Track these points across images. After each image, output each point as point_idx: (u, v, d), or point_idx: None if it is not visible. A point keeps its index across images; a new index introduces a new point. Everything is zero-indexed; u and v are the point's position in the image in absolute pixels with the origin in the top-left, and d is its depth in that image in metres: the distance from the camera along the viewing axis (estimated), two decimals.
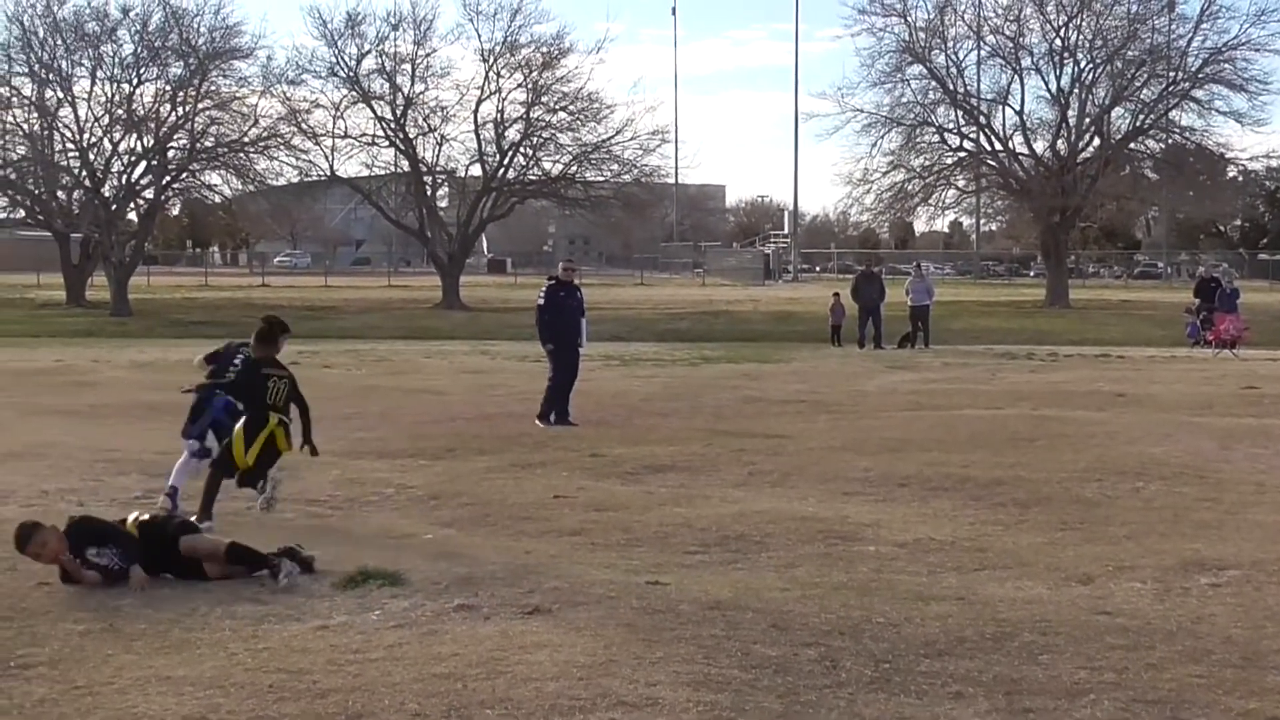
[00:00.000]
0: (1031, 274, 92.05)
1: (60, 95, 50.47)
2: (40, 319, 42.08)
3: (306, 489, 11.08)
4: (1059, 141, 55.68)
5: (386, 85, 53.62)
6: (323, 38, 52.87)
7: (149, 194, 51.62)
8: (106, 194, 49.51)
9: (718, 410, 17.55)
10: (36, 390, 19.87)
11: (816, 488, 11.30)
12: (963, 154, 57.17)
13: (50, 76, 50.06)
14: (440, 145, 55.19)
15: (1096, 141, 55.77)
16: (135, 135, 49.93)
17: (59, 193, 52.12)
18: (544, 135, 54.13)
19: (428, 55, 53.83)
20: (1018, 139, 56.63)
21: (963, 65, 56.48)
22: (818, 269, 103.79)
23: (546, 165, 55.28)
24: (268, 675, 5.99)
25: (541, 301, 16.43)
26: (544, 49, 53.40)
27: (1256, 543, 9.00)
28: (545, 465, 12.64)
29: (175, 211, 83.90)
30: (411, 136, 54.01)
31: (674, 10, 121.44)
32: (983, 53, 56.64)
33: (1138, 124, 55.33)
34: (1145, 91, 54.83)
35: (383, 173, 57.27)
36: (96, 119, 50.19)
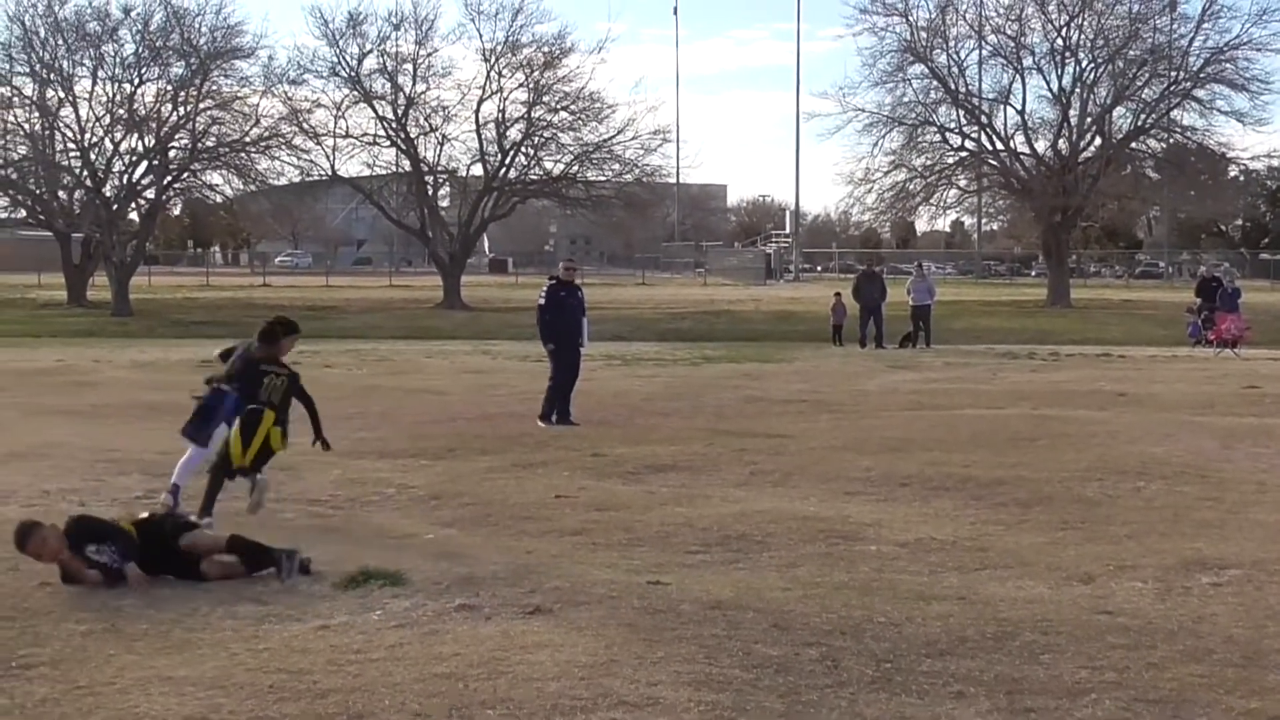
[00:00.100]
0: (1033, 273, 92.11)
1: (61, 95, 50.50)
2: (41, 319, 42.09)
3: (307, 489, 11.09)
4: (1060, 141, 55.71)
5: (388, 85, 53.67)
6: (324, 37, 52.95)
7: (150, 194, 51.60)
8: (108, 194, 49.48)
9: (719, 410, 17.55)
10: (38, 390, 19.86)
11: (818, 487, 11.30)
12: (964, 153, 57.21)
13: (51, 76, 50.07)
14: (441, 145, 55.29)
15: (1098, 141, 55.80)
16: (136, 135, 49.92)
17: (60, 192, 52.15)
18: (545, 135, 54.12)
19: (429, 55, 53.91)
20: (1019, 138, 56.78)
21: (964, 65, 56.61)
22: (819, 269, 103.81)
23: (548, 165, 55.33)
24: (269, 675, 6.00)
25: (542, 301, 16.42)
26: (545, 49, 53.46)
27: (1258, 542, 9.00)
28: (547, 465, 12.63)
29: (176, 211, 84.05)
30: (413, 136, 54.03)
31: (675, 10, 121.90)
32: (984, 52, 56.77)
33: (1139, 123, 55.36)
34: (1147, 91, 54.89)
35: (384, 172, 57.30)
36: (98, 119, 50.23)
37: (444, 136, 54.96)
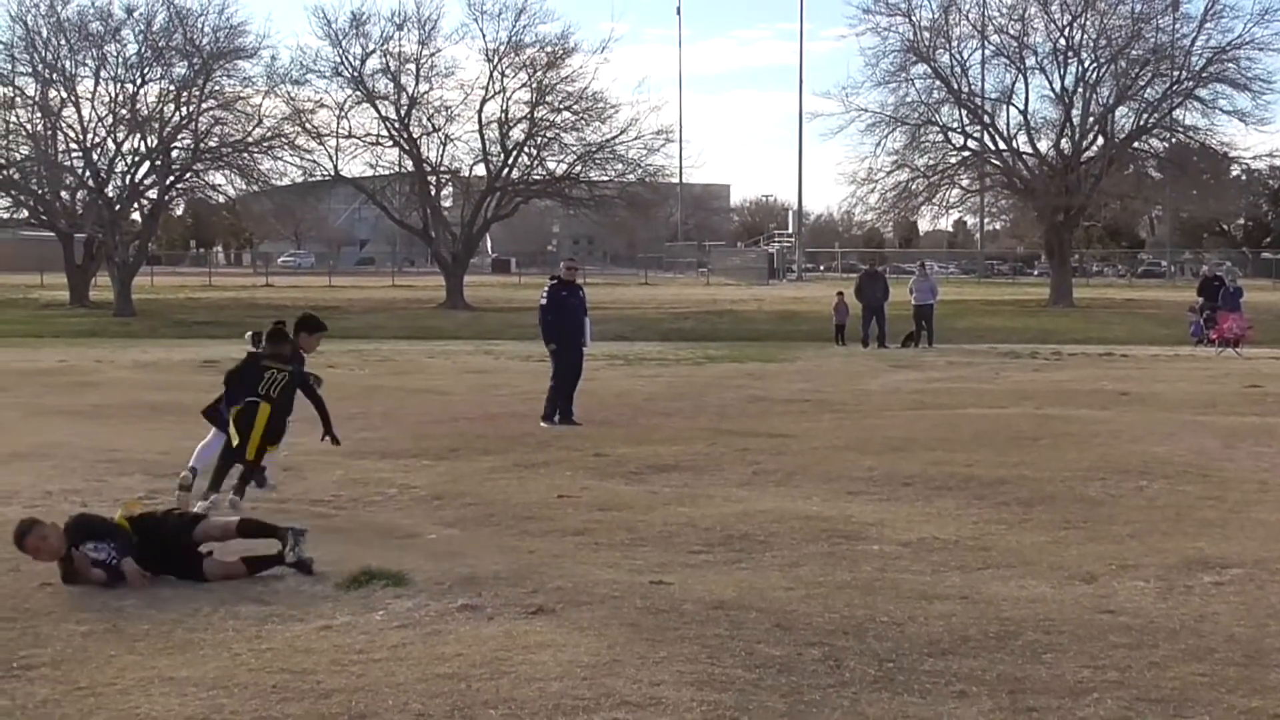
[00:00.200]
0: (1035, 273, 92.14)
1: (64, 95, 50.50)
2: (44, 319, 42.12)
3: (310, 489, 11.10)
4: (1063, 140, 55.71)
5: (391, 85, 53.69)
6: (327, 38, 52.96)
7: (153, 194, 51.63)
8: (110, 194, 49.47)
9: (722, 410, 17.55)
10: (40, 390, 19.87)
11: (820, 487, 11.29)
12: (967, 153, 57.21)
13: (54, 76, 50.05)
14: (444, 145, 55.31)
15: (1100, 140, 55.77)
16: (139, 135, 49.91)
17: (63, 193, 52.14)
18: (548, 135, 54.11)
19: (432, 55, 53.91)
20: (1022, 138, 56.81)
21: (967, 64, 56.58)
22: (822, 268, 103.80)
23: (551, 165, 55.30)
24: (271, 675, 5.99)
25: (544, 301, 16.43)
26: (548, 49, 53.47)
27: (1260, 541, 8.99)
28: (549, 465, 12.63)
29: (179, 212, 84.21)
30: (416, 136, 54.04)
31: (679, 10, 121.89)
32: (987, 52, 56.75)
33: (1142, 123, 55.37)
34: (1149, 91, 54.90)
35: (387, 172, 57.31)
36: (100, 119, 50.22)
37: (447, 136, 55.08)
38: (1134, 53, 54.38)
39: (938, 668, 6.13)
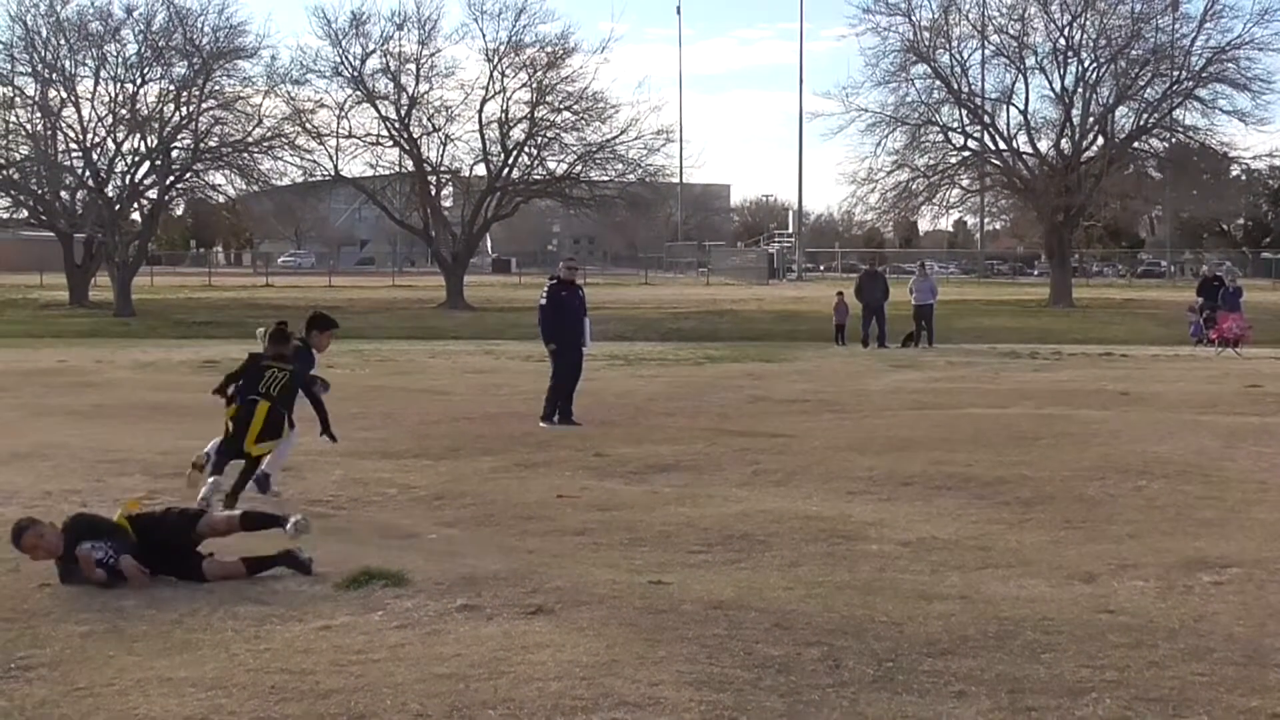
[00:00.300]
0: (1035, 273, 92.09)
1: (64, 95, 50.48)
2: (43, 319, 42.12)
3: (310, 489, 11.11)
4: (1063, 140, 55.68)
5: (391, 85, 53.65)
6: (327, 37, 52.89)
7: (153, 194, 51.61)
8: (110, 194, 49.46)
9: (722, 410, 17.55)
10: (40, 391, 19.87)
11: (820, 487, 11.30)
12: (967, 153, 57.18)
13: (53, 76, 50.03)
14: (445, 145, 55.25)
15: (1100, 140, 55.74)
16: (139, 135, 49.90)
17: (62, 193, 52.12)
18: (548, 135, 54.09)
19: (432, 55, 53.86)
20: (1022, 138, 56.74)
21: (967, 64, 56.51)
22: (822, 268, 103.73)
23: (551, 165, 55.27)
24: (270, 676, 5.99)
25: (544, 301, 16.43)
26: (549, 48, 53.43)
27: (1259, 541, 9.00)
28: (549, 465, 12.64)
29: (179, 212, 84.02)
30: (416, 136, 54.01)
31: (679, 10, 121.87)
32: (987, 52, 56.67)
33: (1141, 123, 55.34)
34: (1149, 90, 54.85)
35: (387, 172, 57.28)
36: (100, 119, 50.21)
37: (447, 136, 55.03)
38: (1134, 53, 54.37)
39: (937, 667, 6.13)
